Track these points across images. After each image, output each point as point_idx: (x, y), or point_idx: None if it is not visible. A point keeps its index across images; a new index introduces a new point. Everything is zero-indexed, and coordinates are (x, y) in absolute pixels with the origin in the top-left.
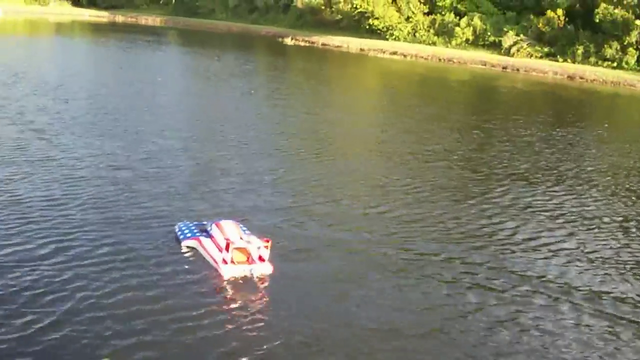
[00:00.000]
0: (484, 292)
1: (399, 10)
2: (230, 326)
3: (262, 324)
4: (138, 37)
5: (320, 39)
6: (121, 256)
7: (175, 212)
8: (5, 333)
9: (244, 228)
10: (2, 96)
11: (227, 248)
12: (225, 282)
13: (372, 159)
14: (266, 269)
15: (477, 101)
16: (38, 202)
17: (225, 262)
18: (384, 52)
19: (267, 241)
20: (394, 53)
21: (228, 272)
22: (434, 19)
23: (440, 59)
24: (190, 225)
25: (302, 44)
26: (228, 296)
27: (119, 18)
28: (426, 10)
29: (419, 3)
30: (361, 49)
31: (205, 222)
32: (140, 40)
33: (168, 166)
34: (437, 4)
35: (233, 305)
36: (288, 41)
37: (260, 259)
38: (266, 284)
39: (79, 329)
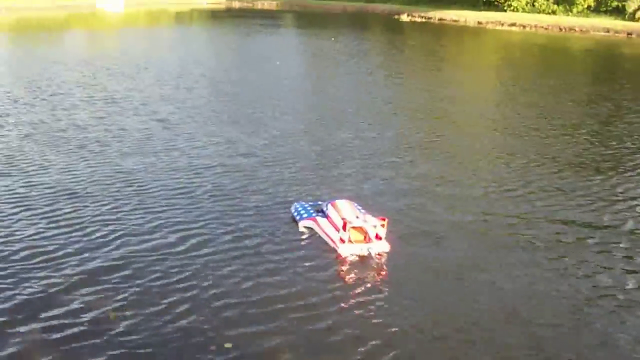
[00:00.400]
0: (621, 274)
1: None
2: (347, 308)
3: (380, 305)
4: (255, 22)
5: (437, 14)
6: (243, 242)
7: (295, 196)
8: (132, 324)
9: (359, 207)
10: (126, 87)
11: (344, 227)
12: (342, 261)
13: (494, 136)
14: (383, 247)
15: (603, 71)
16: (163, 192)
17: (342, 241)
18: (502, 24)
19: (384, 219)
20: (513, 24)
21: (345, 250)
22: None
23: (561, 28)
24: (306, 205)
25: (419, 20)
26: (345, 276)
27: (236, 4)
28: None
29: None
30: (478, 22)
31: (320, 202)
32: (257, 25)
33: (288, 151)
34: None
35: (350, 287)
36: (404, 18)
37: (377, 237)
38: (383, 262)
39: (201, 318)
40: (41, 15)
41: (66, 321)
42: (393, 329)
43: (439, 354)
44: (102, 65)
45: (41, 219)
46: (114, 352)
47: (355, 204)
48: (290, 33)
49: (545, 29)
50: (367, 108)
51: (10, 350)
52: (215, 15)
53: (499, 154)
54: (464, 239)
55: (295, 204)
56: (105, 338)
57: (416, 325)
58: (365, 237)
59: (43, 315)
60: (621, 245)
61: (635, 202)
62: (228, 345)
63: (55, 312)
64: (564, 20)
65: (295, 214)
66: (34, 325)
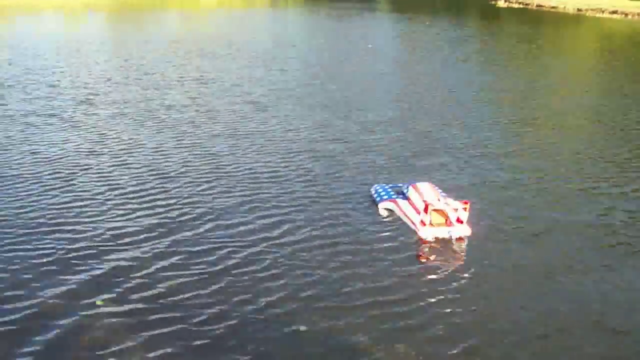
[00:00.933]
0: None
1: None
2: (423, 293)
3: (455, 293)
4: (349, 5)
5: (535, 0)
6: (326, 223)
7: (381, 179)
8: (212, 305)
9: (440, 190)
10: (219, 68)
11: (425, 210)
12: (422, 244)
13: (595, 129)
14: (465, 231)
15: None
16: (252, 175)
17: (423, 223)
18: (602, 12)
19: (466, 203)
20: (614, 12)
21: (427, 233)
22: None
23: None
24: (386, 187)
25: (516, 5)
26: (424, 260)
27: None
28: None
29: None
30: (578, 9)
31: (400, 185)
32: (352, 8)
33: (379, 137)
34: None
35: (428, 271)
36: (501, 3)
37: (459, 221)
38: (464, 247)
39: (282, 298)
40: None
41: (148, 304)
42: (462, 320)
43: (502, 351)
44: (195, 46)
45: (131, 198)
46: (198, 336)
47: (437, 187)
48: (384, 17)
49: None
50: (461, 95)
51: (107, 324)
52: None
53: (594, 149)
54: (552, 236)
55: (375, 185)
56: (193, 321)
57: (490, 320)
58: (446, 220)
59: (127, 294)
60: None
61: None
62: (303, 327)
63: (141, 293)
64: None
65: (375, 195)
66: (119, 307)
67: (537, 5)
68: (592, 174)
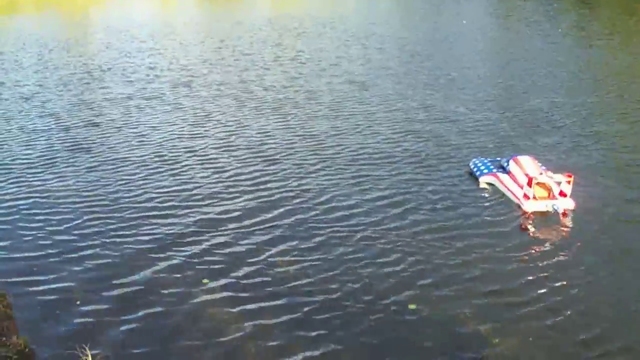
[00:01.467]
0: None
1: None
2: (528, 268)
3: (558, 269)
4: None
5: None
6: (431, 198)
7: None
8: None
9: (541, 164)
10: (315, 48)
11: (529, 184)
12: (527, 217)
13: None
14: (569, 204)
15: None
16: (354, 156)
17: (527, 197)
18: None
19: (570, 176)
20: None
21: (531, 207)
22: None
23: None
24: (485, 161)
25: None
26: (529, 233)
27: None
28: None
29: None
30: None
31: (499, 159)
32: None
33: (481, 116)
34: None
35: (532, 245)
36: None
37: (562, 194)
38: (569, 221)
39: (370, 276)
40: None
41: (256, 290)
42: (561, 298)
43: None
44: (288, 25)
45: (232, 181)
46: (308, 324)
47: (537, 161)
48: None
49: None
50: (562, 72)
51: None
52: None
53: None
54: None
55: (474, 160)
56: (304, 310)
57: (589, 300)
58: (549, 193)
59: (235, 278)
60: None
61: None
62: (412, 306)
63: (250, 279)
64: None
65: (475, 169)
66: (222, 281)
67: None
68: None
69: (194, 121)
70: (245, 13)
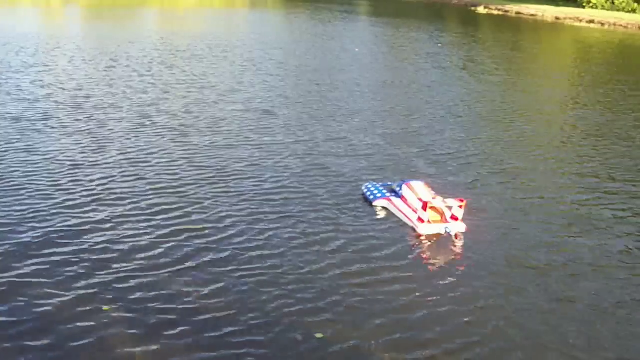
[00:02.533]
0: None
1: None
2: (426, 291)
3: (455, 289)
4: (328, 7)
5: (514, 8)
6: (324, 222)
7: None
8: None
9: (431, 189)
10: (210, 72)
11: (424, 207)
12: (421, 240)
13: (585, 136)
14: (461, 227)
15: None
16: (245, 179)
17: (421, 220)
18: (580, 21)
19: (462, 201)
20: (591, 21)
21: (425, 230)
22: None
23: None
24: (378, 185)
25: (495, 12)
26: (424, 255)
27: None
28: None
29: None
30: (556, 18)
31: (390, 183)
32: (331, 11)
33: (370, 141)
34: None
35: (428, 266)
36: (481, 10)
37: (453, 218)
38: (462, 243)
39: (283, 303)
40: None
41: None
42: (465, 319)
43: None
44: (182, 46)
45: (122, 213)
46: (199, 337)
47: (428, 186)
48: (366, 21)
49: (625, 27)
50: (445, 100)
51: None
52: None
53: (591, 156)
54: (545, 231)
55: (367, 184)
56: (198, 319)
57: (487, 316)
58: (442, 217)
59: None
60: None
61: None
62: (319, 335)
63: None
64: None
65: (368, 193)
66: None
67: (516, 13)
68: (585, 182)
69: (84, 147)
70: (135, 30)
